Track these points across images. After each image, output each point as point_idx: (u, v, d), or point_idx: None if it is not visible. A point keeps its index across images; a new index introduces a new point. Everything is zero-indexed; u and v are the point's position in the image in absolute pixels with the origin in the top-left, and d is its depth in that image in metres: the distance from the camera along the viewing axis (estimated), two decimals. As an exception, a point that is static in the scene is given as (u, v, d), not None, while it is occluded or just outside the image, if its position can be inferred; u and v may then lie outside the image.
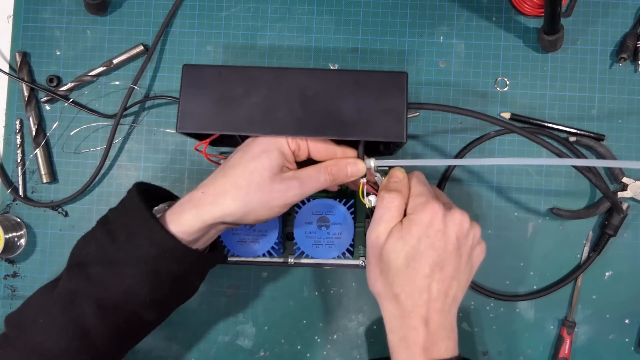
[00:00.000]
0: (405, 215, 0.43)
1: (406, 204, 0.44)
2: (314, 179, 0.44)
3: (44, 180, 0.60)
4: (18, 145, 0.61)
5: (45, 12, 0.62)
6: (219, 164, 0.50)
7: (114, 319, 0.43)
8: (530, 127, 0.58)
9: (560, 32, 0.54)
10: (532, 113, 0.58)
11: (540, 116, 0.58)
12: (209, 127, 0.45)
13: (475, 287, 0.57)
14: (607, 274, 0.57)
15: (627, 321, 0.57)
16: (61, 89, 0.60)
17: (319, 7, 0.60)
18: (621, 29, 0.58)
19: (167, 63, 0.61)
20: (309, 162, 0.46)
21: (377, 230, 0.43)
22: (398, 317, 0.43)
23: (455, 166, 0.58)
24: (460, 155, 0.58)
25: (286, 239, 0.58)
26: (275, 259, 0.55)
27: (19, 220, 0.61)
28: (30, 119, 0.60)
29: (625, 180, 0.57)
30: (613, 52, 0.58)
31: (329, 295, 0.59)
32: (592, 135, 0.57)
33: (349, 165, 0.45)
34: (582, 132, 0.57)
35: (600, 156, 0.57)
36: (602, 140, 0.57)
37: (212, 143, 0.50)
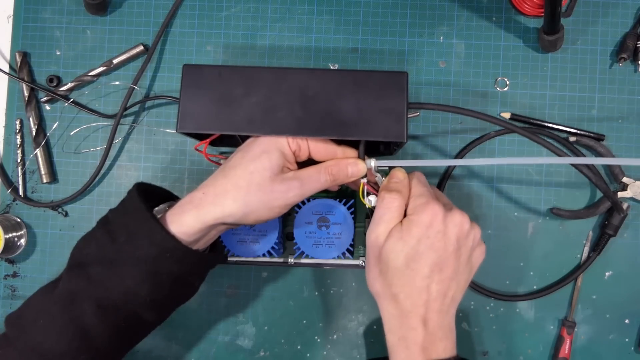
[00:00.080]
0: (405, 215, 0.43)
1: (406, 205, 0.44)
2: (315, 179, 0.44)
3: (44, 180, 0.60)
4: (18, 145, 0.61)
5: (45, 12, 0.62)
6: (219, 164, 0.50)
7: (114, 319, 0.43)
8: (531, 127, 0.58)
9: (560, 32, 0.54)
10: (532, 113, 0.58)
11: (540, 116, 0.58)
12: (209, 127, 0.45)
13: (475, 287, 0.57)
14: (607, 274, 0.57)
15: (627, 321, 0.57)
16: (61, 89, 0.60)
17: (319, 7, 0.60)
18: (621, 29, 0.58)
19: (167, 63, 0.61)
20: (310, 162, 0.46)
21: (377, 231, 0.43)
22: (397, 317, 0.43)
23: (455, 166, 0.58)
24: (460, 155, 0.58)
25: (286, 239, 0.58)
26: (275, 259, 0.55)
27: (19, 220, 0.61)
28: (30, 119, 0.60)
29: (625, 180, 0.57)
30: (613, 52, 0.58)
31: (329, 295, 0.59)
32: (592, 135, 0.57)
33: (349, 166, 0.45)
34: (582, 132, 0.57)
35: (600, 156, 0.57)
36: (602, 140, 0.57)
37: (212, 143, 0.50)
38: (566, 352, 0.56)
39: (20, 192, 0.61)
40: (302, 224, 0.52)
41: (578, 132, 0.57)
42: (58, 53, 0.61)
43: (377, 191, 0.46)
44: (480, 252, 0.45)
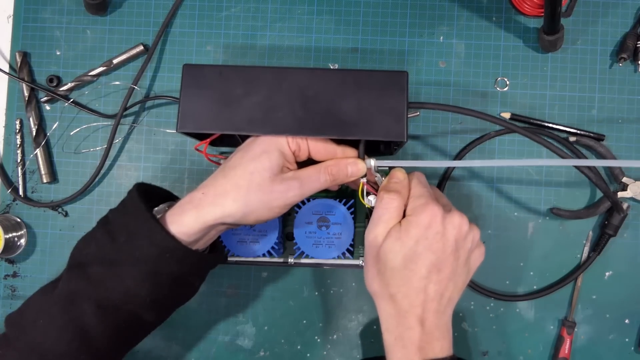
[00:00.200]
0: (404, 216, 0.44)
1: (406, 205, 0.44)
2: (314, 179, 0.44)
3: (44, 180, 0.60)
4: (18, 145, 0.61)
5: (45, 12, 0.62)
6: (219, 164, 0.50)
7: (114, 320, 0.43)
8: (531, 127, 0.58)
9: (560, 32, 0.54)
10: (532, 113, 0.58)
11: (540, 116, 0.58)
12: (209, 126, 0.45)
13: (475, 287, 0.57)
14: (607, 274, 0.57)
15: (627, 321, 0.57)
16: (61, 89, 0.60)
17: (319, 7, 0.60)
18: (621, 29, 0.58)
19: (167, 63, 0.61)
20: (309, 162, 0.46)
21: (375, 231, 0.43)
22: (394, 316, 0.43)
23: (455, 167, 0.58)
24: (460, 155, 0.58)
25: (286, 239, 0.58)
26: (275, 259, 0.55)
27: (19, 220, 0.61)
28: (31, 119, 0.60)
29: (625, 180, 0.57)
30: (613, 52, 0.58)
31: (329, 295, 0.59)
32: (592, 135, 0.57)
33: (349, 165, 0.45)
34: (582, 132, 0.57)
35: (600, 156, 0.57)
36: (602, 140, 0.57)
37: (212, 143, 0.50)
38: (566, 352, 0.56)
39: (20, 192, 0.61)
40: (302, 224, 0.52)
41: (578, 132, 0.57)
42: (58, 53, 0.61)
43: (377, 191, 0.46)
44: (479, 253, 0.45)
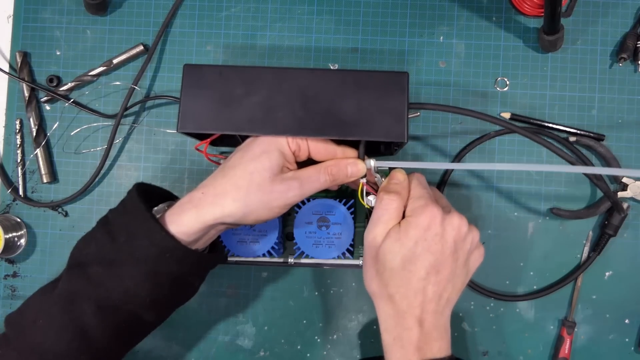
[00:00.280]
0: (404, 217, 0.44)
1: (405, 206, 0.44)
2: (314, 180, 0.44)
3: (44, 180, 0.60)
4: (18, 145, 0.61)
5: (45, 12, 0.62)
6: (219, 163, 0.50)
7: (114, 320, 0.43)
8: (531, 127, 0.58)
9: (560, 32, 0.54)
10: (532, 113, 0.58)
11: (540, 116, 0.58)
12: (209, 126, 0.45)
13: (475, 287, 0.57)
14: (607, 274, 0.57)
15: (627, 321, 0.57)
16: (61, 89, 0.60)
17: (319, 7, 0.60)
18: (621, 29, 0.58)
19: (167, 63, 0.61)
20: (309, 162, 0.46)
21: (375, 231, 0.43)
22: (393, 316, 0.43)
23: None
24: (460, 155, 0.58)
25: (286, 239, 0.58)
26: (275, 259, 0.55)
27: (19, 220, 0.61)
28: (31, 119, 0.60)
29: (625, 180, 0.57)
30: (613, 52, 0.58)
31: (329, 295, 0.59)
32: (592, 135, 0.57)
33: (349, 166, 0.45)
34: (582, 132, 0.57)
35: (600, 156, 0.57)
36: (602, 140, 0.57)
37: (213, 143, 0.50)
38: (566, 352, 0.56)
39: (20, 192, 0.61)
40: (302, 224, 0.52)
41: (578, 132, 0.57)
42: (58, 53, 0.61)
43: (377, 191, 0.46)
44: (478, 254, 0.45)
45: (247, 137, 0.46)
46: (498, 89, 0.59)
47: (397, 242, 0.42)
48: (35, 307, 0.44)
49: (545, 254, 0.58)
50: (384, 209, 0.43)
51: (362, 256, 0.55)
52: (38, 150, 0.60)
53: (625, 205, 0.56)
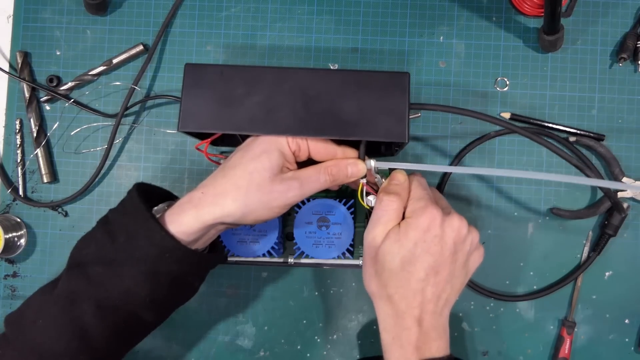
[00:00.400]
0: (403, 218, 0.44)
1: (405, 207, 0.44)
2: (314, 180, 0.44)
3: (44, 180, 0.60)
4: (18, 145, 0.61)
5: (45, 12, 0.62)
6: (219, 163, 0.50)
7: (114, 320, 0.43)
8: (531, 127, 0.58)
9: (560, 32, 0.54)
10: (532, 113, 0.58)
11: (540, 116, 0.58)
12: (210, 126, 0.45)
13: (475, 287, 0.57)
14: (607, 274, 0.57)
15: (627, 321, 0.57)
16: (61, 89, 0.60)
17: (319, 7, 0.60)
18: (621, 29, 0.58)
19: (167, 63, 0.61)
20: (309, 162, 0.46)
21: (374, 232, 0.43)
22: (392, 316, 0.43)
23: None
24: (460, 155, 0.58)
25: (286, 239, 0.58)
26: (275, 259, 0.55)
27: (19, 220, 0.61)
28: (31, 119, 0.60)
29: (625, 180, 0.57)
30: (613, 52, 0.58)
31: (329, 295, 0.59)
32: (592, 135, 0.57)
33: (349, 166, 0.45)
34: (582, 132, 0.57)
35: (600, 156, 0.57)
36: (602, 140, 0.57)
37: (213, 142, 0.50)
38: (566, 352, 0.56)
39: (20, 192, 0.61)
40: (302, 224, 0.52)
41: (578, 132, 0.57)
42: (58, 53, 0.61)
43: (377, 192, 0.46)
44: (477, 255, 0.45)
45: (247, 136, 0.46)
46: (498, 89, 0.59)
47: (397, 243, 0.42)
48: (35, 307, 0.43)
49: (545, 254, 0.58)
50: (384, 210, 0.43)
51: (362, 256, 0.55)
52: (38, 150, 0.60)
53: (625, 205, 0.56)
